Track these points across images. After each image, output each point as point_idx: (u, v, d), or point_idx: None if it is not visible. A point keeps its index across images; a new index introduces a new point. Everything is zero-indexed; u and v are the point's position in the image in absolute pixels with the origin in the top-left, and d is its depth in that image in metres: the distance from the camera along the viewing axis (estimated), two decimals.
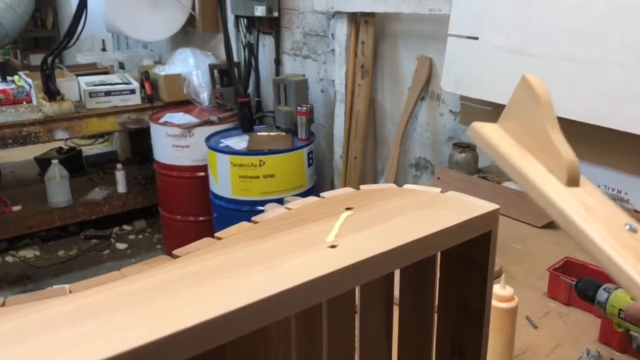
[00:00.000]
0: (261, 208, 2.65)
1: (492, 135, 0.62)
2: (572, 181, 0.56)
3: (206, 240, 0.50)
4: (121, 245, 3.48)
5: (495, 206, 0.57)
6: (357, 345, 0.61)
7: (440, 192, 0.61)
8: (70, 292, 0.43)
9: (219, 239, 0.51)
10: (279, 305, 0.43)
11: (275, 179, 2.61)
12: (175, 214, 3.11)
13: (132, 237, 3.59)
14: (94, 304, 0.41)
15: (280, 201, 0.61)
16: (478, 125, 0.64)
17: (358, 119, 2.47)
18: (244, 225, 0.54)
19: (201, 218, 3.04)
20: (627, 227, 0.51)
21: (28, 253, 3.38)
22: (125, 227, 3.66)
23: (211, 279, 0.44)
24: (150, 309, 0.40)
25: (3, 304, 0.41)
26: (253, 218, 0.55)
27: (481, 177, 1.84)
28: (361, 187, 0.63)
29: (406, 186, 0.64)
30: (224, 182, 2.67)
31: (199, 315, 0.39)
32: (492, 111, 1.92)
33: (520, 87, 0.61)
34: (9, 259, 3.32)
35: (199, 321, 0.38)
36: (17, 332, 0.38)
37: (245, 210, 2.62)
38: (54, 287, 0.44)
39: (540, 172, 0.57)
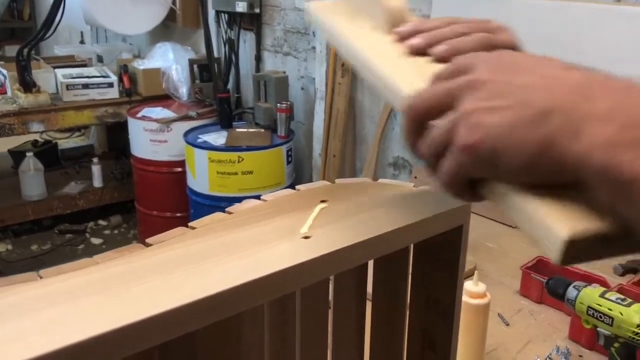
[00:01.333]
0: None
1: (327, 13, 0.60)
2: (394, 26, 0.52)
3: (179, 229, 0.50)
4: (96, 241, 3.44)
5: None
6: (330, 339, 0.62)
7: (414, 186, 0.61)
8: (41, 277, 0.43)
9: (193, 228, 0.51)
10: (250, 293, 0.43)
11: (254, 175, 2.60)
12: (151, 209, 3.09)
13: (107, 232, 3.55)
14: (64, 290, 0.41)
15: (257, 197, 0.61)
16: (314, 5, 0.62)
17: (338, 117, 2.48)
18: (217, 215, 0.54)
19: (178, 214, 3.02)
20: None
21: (0, 247, 3.32)
22: (101, 222, 3.62)
23: (183, 267, 0.44)
24: (122, 295, 0.40)
25: None
26: (227, 209, 0.55)
27: None
28: (336, 180, 0.64)
29: (381, 180, 0.64)
30: (202, 178, 2.66)
31: (170, 301, 0.39)
32: None
33: None
34: None
35: (171, 307, 0.38)
36: None
37: (223, 207, 2.59)
38: (24, 273, 0.43)
39: (362, 30, 0.55)
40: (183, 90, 3.16)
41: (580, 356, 1.04)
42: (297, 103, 2.87)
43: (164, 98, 3.22)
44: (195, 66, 3.14)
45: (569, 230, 0.30)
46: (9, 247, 3.34)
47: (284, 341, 0.56)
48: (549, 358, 1.02)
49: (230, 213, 0.54)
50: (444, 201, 0.57)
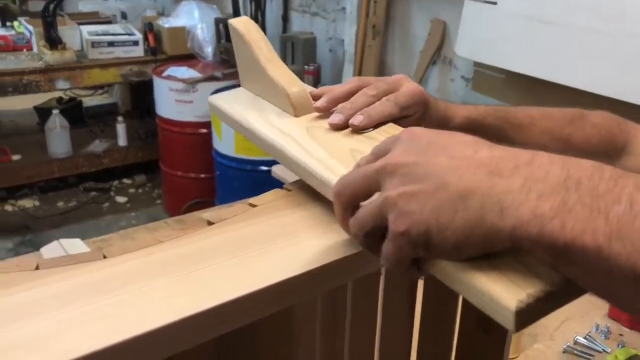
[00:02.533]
0: (264, 168, 2.63)
1: (228, 102, 0.62)
2: (300, 109, 0.55)
3: (241, 206, 0.49)
4: (121, 199, 3.47)
5: None
6: (379, 316, 0.60)
7: None
8: (105, 257, 0.41)
9: (254, 205, 0.49)
10: (319, 279, 0.41)
11: None
12: (176, 170, 3.09)
13: (131, 191, 3.57)
14: (130, 271, 0.40)
15: None
16: (214, 99, 0.63)
17: (368, 67, 2.43)
18: (278, 192, 0.52)
19: (202, 175, 3.02)
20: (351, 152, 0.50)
21: (27, 203, 3.36)
22: (125, 180, 3.64)
23: (249, 249, 0.42)
24: (190, 279, 0.39)
25: (37, 268, 0.40)
26: (286, 185, 0.53)
27: None
28: None
29: None
30: (227, 140, 2.64)
31: (240, 288, 0.38)
32: (506, 79, 1.89)
33: (233, 36, 0.60)
34: (8, 208, 3.30)
35: (240, 294, 0.37)
36: (55, 298, 0.36)
37: (248, 170, 2.60)
38: (88, 251, 0.42)
39: (266, 115, 0.57)
40: (208, 50, 3.12)
41: (621, 335, 1.02)
42: (324, 65, 2.82)
43: (189, 57, 3.18)
44: (220, 25, 3.09)
45: (516, 301, 0.31)
46: (36, 203, 3.38)
47: (334, 331, 0.54)
48: (589, 336, 1.01)
49: (289, 190, 0.53)
50: None
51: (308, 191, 0.53)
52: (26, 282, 0.38)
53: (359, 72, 2.48)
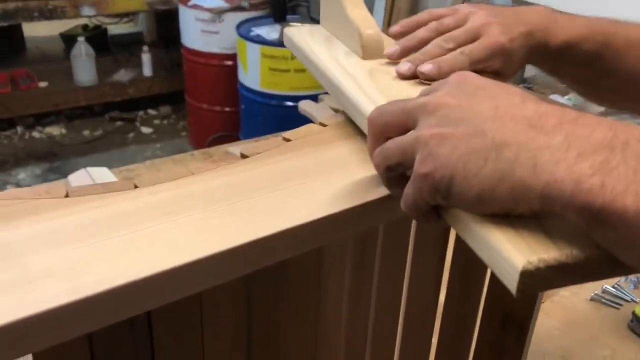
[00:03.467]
0: (290, 104, 2.59)
1: (301, 35, 0.61)
2: (368, 52, 0.54)
3: (274, 140, 0.47)
4: (146, 130, 3.48)
5: None
6: (407, 269, 0.58)
7: None
8: (136, 187, 0.40)
9: (287, 140, 0.47)
10: (355, 218, 0.40)
11: (307, 74, 2.51)
12: (201, 102, 3.07)
13: (157, 122, 3.57)
14: (162, 202, 0.38)
15: (312, 98, 0.58)
16: (289, 30, 0.63)
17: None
18: (312, 127, 0.50)
19: (227, 108, 2.99)
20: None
21: (54, 130, 3.40)
22: (151, 111, 3.64)
23: (287, 183, 0.41)
24: (227, 211, 0.37)
25: (67, 195, 0.39)
26: (321, 120, 0.51)
27: (526, 87, 1.76)
28: None
29: None
30: (253, 73, 2.60)
31: (282, 222, 0.36)
32: None
33: None
34: (35, 134, 3.34)
35: (283, 228, 0.35)
36: (85, 227, 0.35)
37: (274, 105, 2.57)
38: (115, 180, 0.41)
39: (335, 54, 0.55)
40: None
41: None
42: None
43: None
44: None
45: (525, 261, 0.30)
46: (63, 131, 3.41)
47: (360, 281, 0.53)
48: (617, 285, 0.99)
49: (324, 125, 0.50)
50: None
51: (345, 128, 0.50)
52: (56, 210, 0.37)
53: (391, 6, 2.39)
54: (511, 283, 0.30)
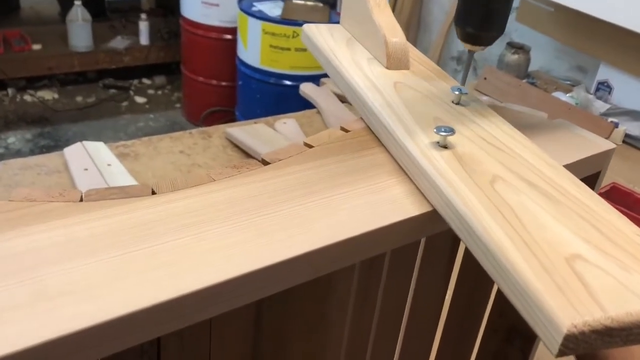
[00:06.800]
0: (289, 83, 2.56)
1: (322, 34, 0.58)
2: (393, 62, 0.51)
3: (296, 147, 0.45)
4: (140, 99, 3.42)
5: (611, 145, 0.51)
6: (408, 302, 0.56)
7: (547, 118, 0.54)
8: (154, 192, 0.38)
9: (310, 146, 0.45)
10: (380, 236, 0.38)
11: (307, 54, 2.47)
12: (197, 74, 3.02)
13: (151, 92, 3.52)
14: (185, 211, 0.37)
15: (311, 79, 0.57)
16: (308, 28, 0.60)
17: (404, 1, 2.31)
18: (334, 132, 0.48)
19: (224, 83, 2.95)
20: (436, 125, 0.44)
21: (47, 94, 3.33)
22: (145, 80, 3.58)
23: (311, 196, 0.39)
24: (251, 225, 0.36)
25: (81, 199, 0.37)
26: (343, 125, 0.49)
27: (530, 82, 1.74)
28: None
29: (507, 105, 0.57)
30: (253, 49, 2.55)
31: (308, 242, 0.35)
32: (554, 13, 1.77)
33: None
34: (27, 98, 3.28)
35: (309, 249, 0.34)
36: (102, 237, 0.34)
37: (272, 83, 2.54)
38: (135, 184, 0.39)
39: (357, 59, 0.53)
40: None
41: None
42: None
43: None
44: None
45: (569, 324, 0.28)
46: (55, 95, 3.35)
47: (364, 302, 0.52)
48: None
49: (346, 130, 0.49)
50: (585, 143, 0.50)
51: (368, 134, 0.49)
52: (70, 215, 0.35)
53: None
54: (552, 344, 0.29)
